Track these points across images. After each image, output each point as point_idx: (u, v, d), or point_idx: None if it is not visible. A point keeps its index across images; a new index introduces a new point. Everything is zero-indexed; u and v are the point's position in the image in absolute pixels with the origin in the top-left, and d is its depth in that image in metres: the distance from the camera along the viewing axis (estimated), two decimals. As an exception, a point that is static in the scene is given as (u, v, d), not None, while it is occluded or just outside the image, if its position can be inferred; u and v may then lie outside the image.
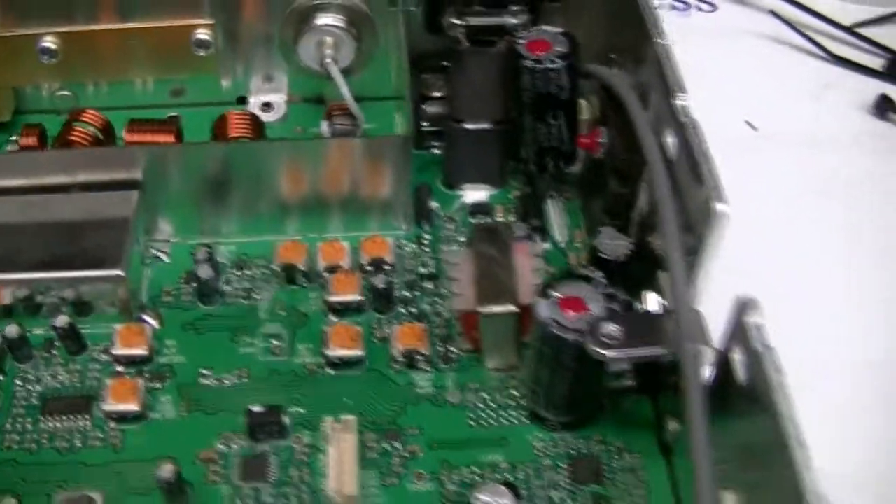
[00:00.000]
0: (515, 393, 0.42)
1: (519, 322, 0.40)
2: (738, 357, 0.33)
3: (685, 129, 0.37)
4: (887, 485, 0.42)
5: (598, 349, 0.36)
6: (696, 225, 0.36)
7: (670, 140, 0.39)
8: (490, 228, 0.43)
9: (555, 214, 0.48)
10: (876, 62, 0.60)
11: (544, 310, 0.37)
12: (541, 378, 0.39)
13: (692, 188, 0.37)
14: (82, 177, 0.44)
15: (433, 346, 0.43)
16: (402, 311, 0.44)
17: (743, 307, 0.32)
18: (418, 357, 0.42)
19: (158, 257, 0.46)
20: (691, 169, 0.37)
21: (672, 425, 0.39)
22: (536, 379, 0.39)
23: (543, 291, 0.38)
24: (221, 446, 0.40)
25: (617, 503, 0.39)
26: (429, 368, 0.42)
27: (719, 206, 0.34)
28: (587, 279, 0.39)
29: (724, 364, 0.35)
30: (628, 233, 0.43)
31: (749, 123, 0.57)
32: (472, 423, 0.41)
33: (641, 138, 0.39)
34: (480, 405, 0.41)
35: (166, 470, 0.37)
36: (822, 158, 0.55)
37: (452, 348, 0.43)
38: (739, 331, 0.33)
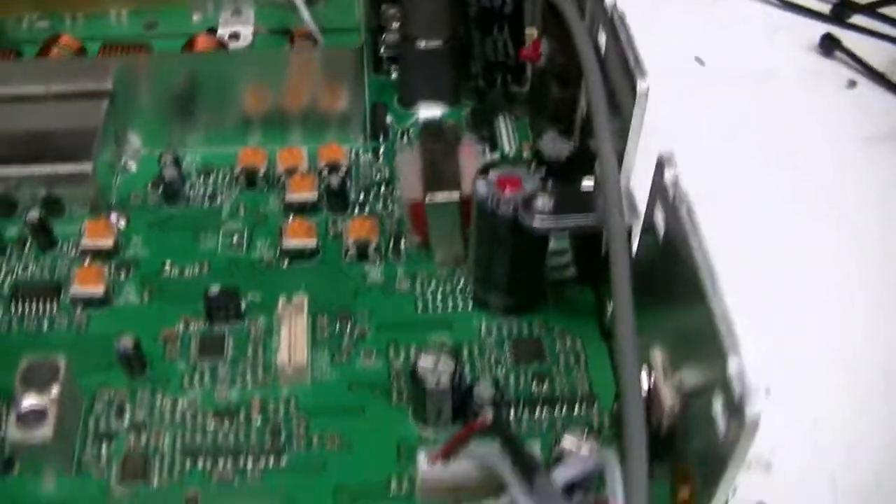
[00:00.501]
0: (462, 283, 0.44)
1: (463, 212, 0.42)
2: (658, 215, 0.35)
3: (612, 22, 0.39)
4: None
5: (529, 219, 0.38)
6: (625, 116, 0.38)
7: (603, 40, 0.41)
8: (437, 128, 0.45)
9: (504, 129, 0.50)
10: (823, 6, 0.63)
11: (482, 188, 0.39)
12: (482, 258, 0.41)
13: (623, 86, 0.39)
14: (56, 87, 0.47)
15: (384, 241, 0.45)
16: (357, 212, 0.46)
17: (660, 164, 0.34)
18: (370, 249, 0.44)
19: (128, 167, 0.48)
20: (621, 63, 0.39)
21: (611, 309, 0.41)
22: (478, 260, 0.41)
23: (482, 171, 0.40)
24: (181, 327, 0.42)
25: (558, 379, 0.41)
26: (379, 261, 0.44)
27: (640, 83, 0.37)
28: (527, 165, 0.41)
29: (648, 231, 0.37)
30: (571, 136, 0.45)
31: (698, 59, 0.59)
32: (419, 307, 0.43)
33: (575, 39, 0.42)
34: (429, 293, 0.43)
35: (126, 341, 0.40)
36: (769, 94, 0.58)
37: (403, 244, 0.45)
38: (658, 187, 0.35)
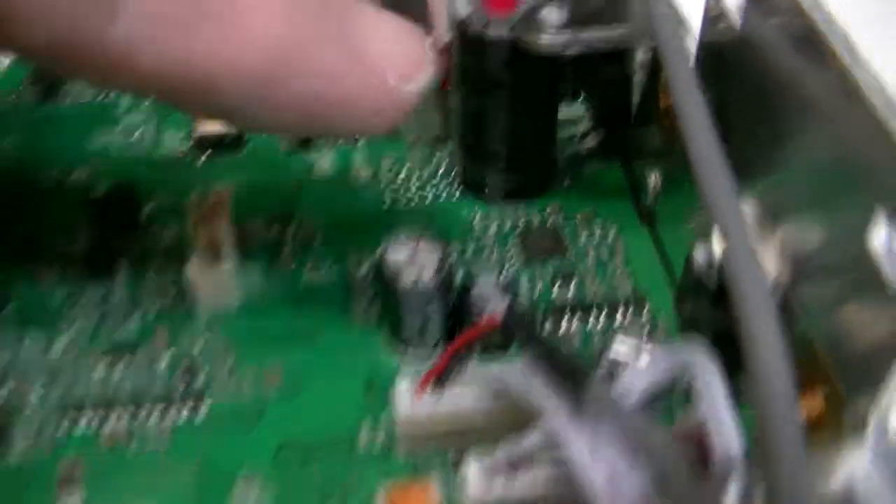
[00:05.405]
0: (445, 167, 0.30)
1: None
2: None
3: None
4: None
5: (534, 39, 0.24)
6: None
7: None
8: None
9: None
10: None
11: (462, 5, 0.26)
12: (469, 118, 0.27)
13: None
14: None
15: (336, 122, 0.31)
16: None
17: None
18: (316, 130, 0.30)
19: (-3, 62, 0.34)
20: None
21: (654, 180, 0.28)
22: (465, 120, 0.28)
23: (460, -12, 0.26)
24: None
25: (588, 279, 0.27)
26: (330, 145, 0.31)
27: None
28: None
29: (709, 36, 0.23)
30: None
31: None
32: (387, 200, 0.29)
33: None
34: (399, 182, 0.30)
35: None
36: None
37: (360, 125, 0.31)
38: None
